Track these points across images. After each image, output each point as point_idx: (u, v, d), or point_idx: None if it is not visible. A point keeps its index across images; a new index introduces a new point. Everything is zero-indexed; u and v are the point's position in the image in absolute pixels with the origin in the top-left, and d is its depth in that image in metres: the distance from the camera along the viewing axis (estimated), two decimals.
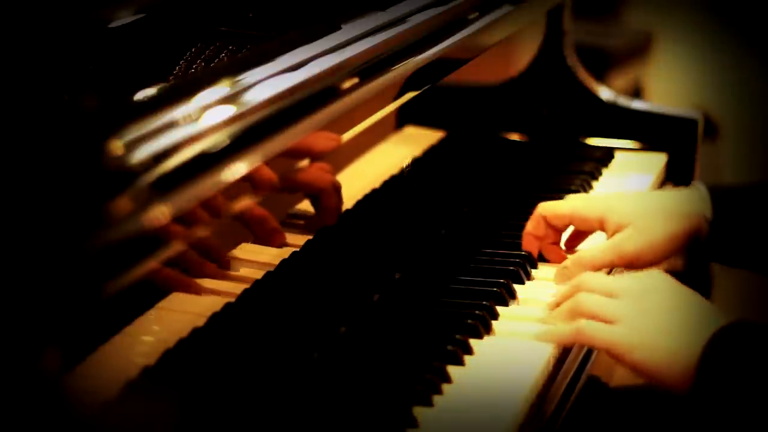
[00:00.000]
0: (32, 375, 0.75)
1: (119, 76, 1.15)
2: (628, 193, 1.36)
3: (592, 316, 1.11)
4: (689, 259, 1.32)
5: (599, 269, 1.27)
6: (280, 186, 1.07)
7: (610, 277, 1.22)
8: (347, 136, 1.21)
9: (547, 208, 1.32)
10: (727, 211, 1.28)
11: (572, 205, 1.32)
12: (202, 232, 0.95)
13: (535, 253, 1.33)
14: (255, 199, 1.05)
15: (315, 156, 1.15)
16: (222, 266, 1.06)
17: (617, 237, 1.26)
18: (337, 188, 1.23)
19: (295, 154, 1.10)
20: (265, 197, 1.07)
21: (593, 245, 1.31)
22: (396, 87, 1.28)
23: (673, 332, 1.07)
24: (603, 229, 1.29)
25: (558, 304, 1.17)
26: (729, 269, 1.32)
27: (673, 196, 1.32)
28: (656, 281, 1.14)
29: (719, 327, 1.05)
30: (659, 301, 1.11)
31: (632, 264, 1.27)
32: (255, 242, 1.11)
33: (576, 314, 1.13)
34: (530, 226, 1.33)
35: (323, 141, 1.14)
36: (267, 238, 1.12)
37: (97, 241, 0.80)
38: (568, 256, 1.32)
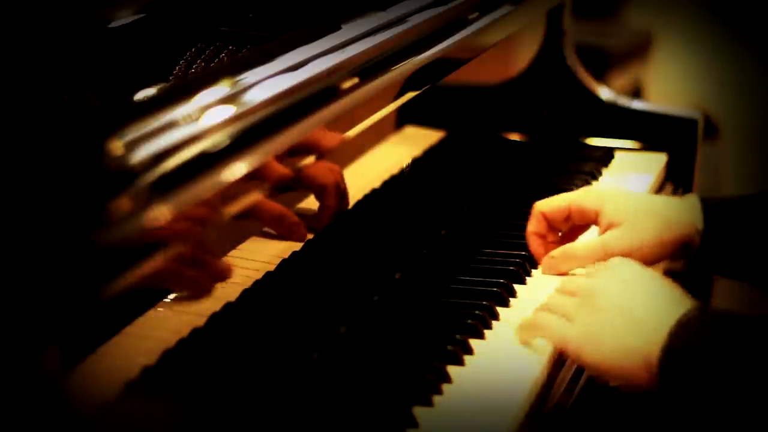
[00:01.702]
0: (32, 375, 0.75)
1: (119, 76, 1.15)
2: (625, 190, 1.36)
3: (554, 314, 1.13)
4: (685, 265, 1.32)
5: (585, 264, 1.27)
6: (288, 178, 1.07)
7: (582, 276, 1.21)
8: (347, 136, 1.21)
9: (544, 203, 1.33)
10: (719, 223, 1.28)
11: (570, 197, 1.32)
12: (203, 231, 0.95)
13: (542, 255, 1.32)
14: (262, 194, 1.05)
15: (321, 152, 1.15)
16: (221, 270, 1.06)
17: (608, 234, 1.27)
18: (340, 190, 1.23)
19: (302, 149, 1.10)
20: (270, 194, 1.07)
21: (584, 240, 1.32)
22: (396, 87, 1.28)
23: (626, 331, 1.06)
24: (597, 223, 1.30)
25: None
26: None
27: (668, 202, 1.32)
28: (623, 272, 1.14)
29: (677, 321, 1.04)
30: (616, 298, 1.10)
31: None
32: (254, 242, 1.11)
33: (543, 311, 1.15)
34: (531, 225, 1.33)
35: (330, 138, 1.14)
36: (288, 233, 1.15)
37: (97, 241, 0.80)
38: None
